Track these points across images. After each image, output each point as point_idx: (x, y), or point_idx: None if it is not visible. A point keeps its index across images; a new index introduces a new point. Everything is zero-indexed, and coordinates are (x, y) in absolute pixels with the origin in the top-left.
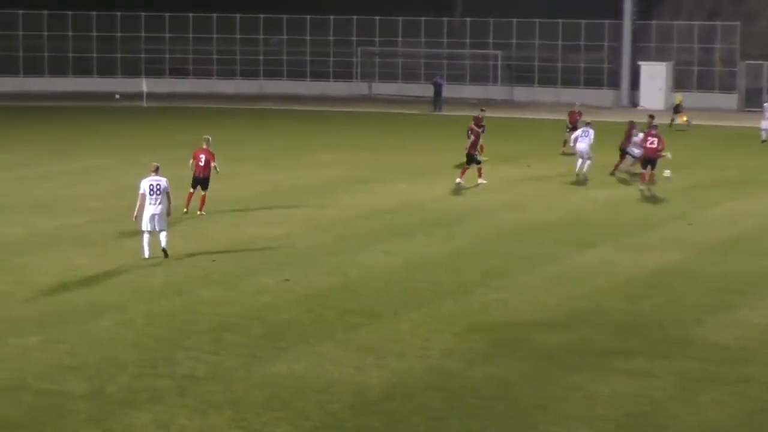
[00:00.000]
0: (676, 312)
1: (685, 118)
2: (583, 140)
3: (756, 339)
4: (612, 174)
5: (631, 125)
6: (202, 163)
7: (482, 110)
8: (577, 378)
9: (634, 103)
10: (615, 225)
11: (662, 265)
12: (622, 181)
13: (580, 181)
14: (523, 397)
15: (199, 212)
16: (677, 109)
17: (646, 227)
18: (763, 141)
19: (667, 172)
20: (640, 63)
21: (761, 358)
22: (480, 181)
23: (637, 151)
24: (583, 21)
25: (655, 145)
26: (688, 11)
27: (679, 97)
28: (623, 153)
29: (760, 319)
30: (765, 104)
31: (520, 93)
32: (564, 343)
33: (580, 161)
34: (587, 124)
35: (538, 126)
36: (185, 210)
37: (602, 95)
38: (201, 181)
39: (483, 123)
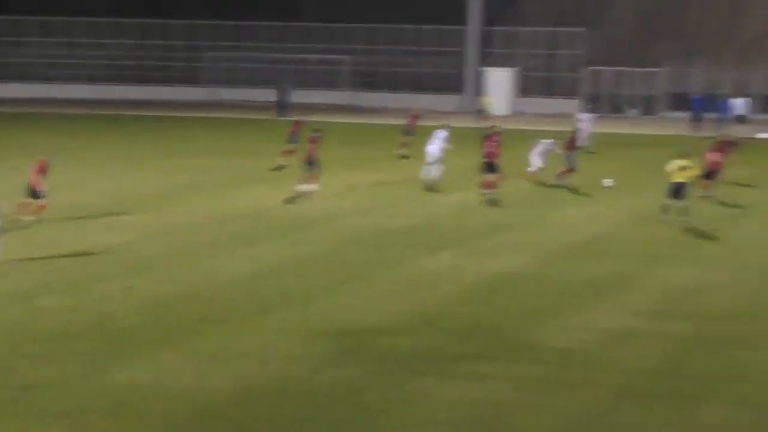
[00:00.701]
0: (519, 316)
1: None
2: (434, 143)
3: (597, 342)
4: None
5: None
6: (36, 173)
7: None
8: (422, 382)
9: (478, 109)
10: (463, 230)
11: (507, 270)
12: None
13: (429, 185)
14: (368, 402)
15: (28, 218)
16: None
17: (492, 232)
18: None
19: (608, 181)
20: (485, 69)
21: (602, 361)
22: (308, 188)
23: (539, 161)
24: (429, 27)
25: (493, 150)
26: (534, 18)
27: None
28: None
29: (601, 322)
30: (578, 114)
31: (368, 98)
32: (409, 348)
33: (428, 166)
34: (443, 127)
35: (385, 131)
36: (24, 217)
37: (448, 100)
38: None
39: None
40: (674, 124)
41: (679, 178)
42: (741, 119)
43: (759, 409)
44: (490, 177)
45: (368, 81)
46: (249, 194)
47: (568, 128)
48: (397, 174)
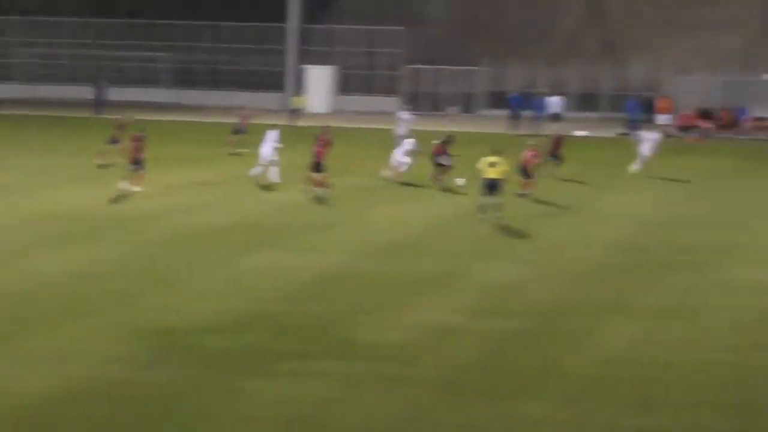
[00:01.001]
0: (344, 313)
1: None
2: (266, 144)
3: (421, 338)
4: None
5: (447, 139)
6: None
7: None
8: (243, 382)
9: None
10: (288, 228)
11: (330, 268)
12: (447, 190)
13: (261, 184)
14: (188, 403)
15: None
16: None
17: (317, 230)
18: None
19: (459, 180)
20: (305, 66)
21: (424, 358)
22: (131, 187)
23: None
24: (249, 24)
25: (321, 149)
26: (353, 16)
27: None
28: (437, 163)
29: (423, 319)
30: (399, 113)
31: (188, 96)
32: (231, 348)
33: (261, 167)
34: (273, 127)
35: (208, 129)
36: None
37: (270, 98)
38: None
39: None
40: (492, 122)
41: (490, 174)
42: (556, 117)
43: (578, 405)
44: (317, 176)
45: (188, 79)
46: (69, 194)
47: (389, 126)
48: (223, 172)
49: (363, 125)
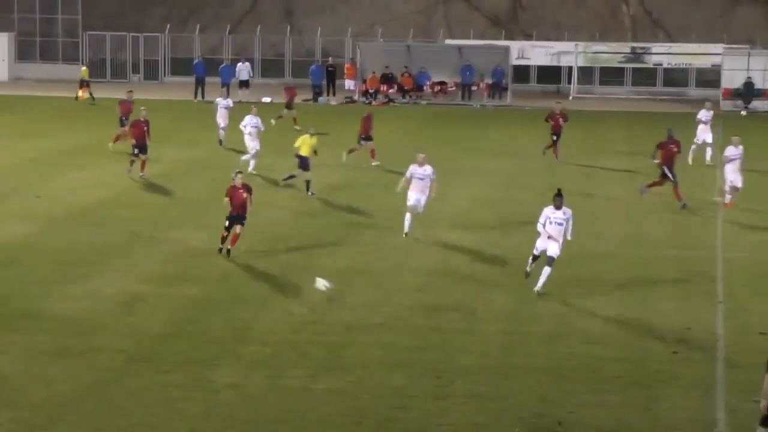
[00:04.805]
0: (24, 285)
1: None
2: None
3: (104, 309)
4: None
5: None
6: None
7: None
8: None
9: None
10: None
11: (9, 239)
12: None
13: None
14: None
15: None
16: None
17: None
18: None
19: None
20: None
21: (109, 328)
22: None
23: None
24: None
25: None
26: None
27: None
28: (359, 139)
29: (107, 289)
30: (219, 99)
31: None
32: None
33: None
34: None
35: None
36: None
37: None
38: None
39: None
40: (177, 89)
41: (303, 151)
42: (245, 84)
43: (271, 368)
44: None
45: None
46: None
47: (71, 94)
48: None
49: (42, 93)
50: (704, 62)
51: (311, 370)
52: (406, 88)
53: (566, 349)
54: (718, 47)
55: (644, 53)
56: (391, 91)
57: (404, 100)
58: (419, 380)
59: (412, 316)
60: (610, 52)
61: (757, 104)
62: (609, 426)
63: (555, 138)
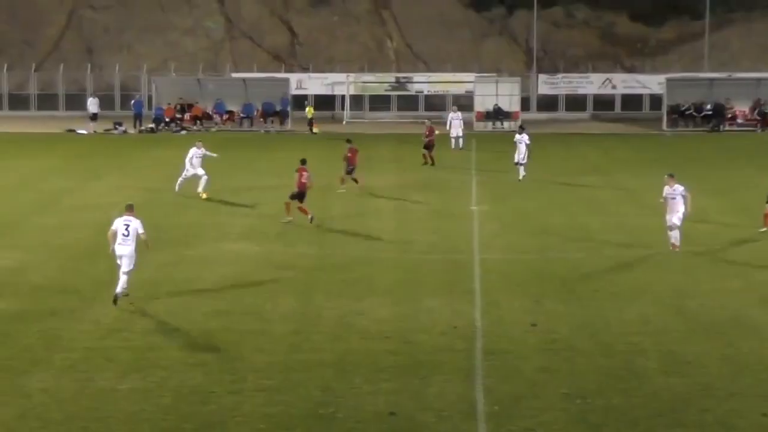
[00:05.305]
0: None
1: None
2: None
3: None
4: None
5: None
6: None
7: None
8: None
9: None
10: None
11: None
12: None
13: None
14: None
15: None
16: None
17: None
18: None
19: None
20: None
21: None
22: None
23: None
24: None
25: None
26: None
27: None
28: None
29: None
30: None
31: None
32: None
33: None
34: None
35: None
36: None
37: None
38: None
39: None
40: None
41: None
42: (94, 117)
43: (80, 373)
44: None
45: None
46: None
47: None
48: None
49: None
50: (459, 89)
51: (118, 372)
52: (197, 116)
53: (347, 345)
54: (471, 76)
55: (407, 82)
56: (184, 119)
57: (196, 128)
58: (216, 377)
59: (208, 320)
60: (377, 82)
61: (506, 124)
62: (384, 410)
63: (351, 170)
